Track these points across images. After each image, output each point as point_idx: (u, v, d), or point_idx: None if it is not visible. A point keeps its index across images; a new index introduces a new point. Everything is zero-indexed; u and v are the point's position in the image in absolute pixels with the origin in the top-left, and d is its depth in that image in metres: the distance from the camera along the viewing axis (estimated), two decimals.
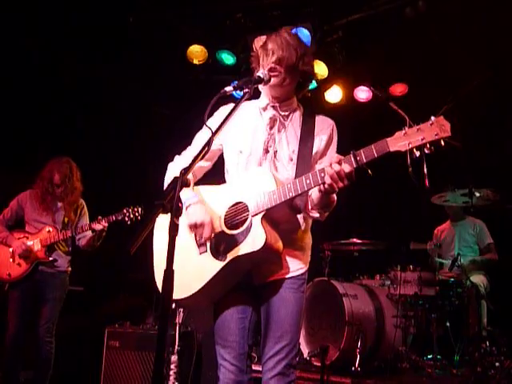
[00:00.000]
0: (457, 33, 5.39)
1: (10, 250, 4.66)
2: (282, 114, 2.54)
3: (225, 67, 6.32)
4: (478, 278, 5.39)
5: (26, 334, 4.55)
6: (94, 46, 5.93)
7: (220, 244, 2.37)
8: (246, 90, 2.34)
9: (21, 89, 5.85)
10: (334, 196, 2.30)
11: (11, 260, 4.64)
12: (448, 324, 5.12)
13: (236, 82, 2.34)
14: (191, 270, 2.42)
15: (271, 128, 2.51)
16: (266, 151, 2.48)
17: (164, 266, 2.48)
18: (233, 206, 2.41)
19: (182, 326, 5.07)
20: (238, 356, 2.42)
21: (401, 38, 5.85)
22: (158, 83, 6.67)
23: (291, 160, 2.41)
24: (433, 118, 2.02)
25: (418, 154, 2.03)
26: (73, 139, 6.08)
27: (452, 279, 5.16)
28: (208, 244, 2.42)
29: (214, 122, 2.43)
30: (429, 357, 4.96)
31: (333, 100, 6.43)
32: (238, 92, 2.42)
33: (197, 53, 6.24)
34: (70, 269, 4.77)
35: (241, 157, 2.51)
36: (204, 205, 2.46)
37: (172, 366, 4.59)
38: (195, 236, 2.45)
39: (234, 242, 2.32)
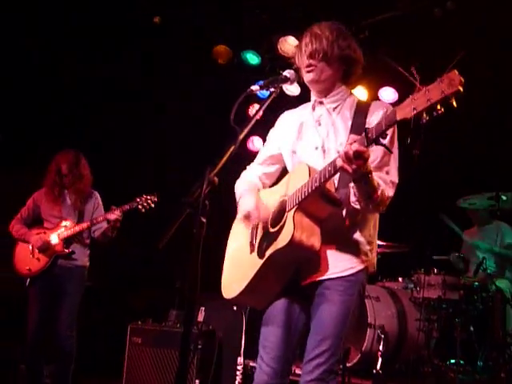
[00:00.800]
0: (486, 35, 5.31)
1: (30, 246, 4.72)
2: (329, 106, 2.49)
3: (250, 67, 6.33)
4: (504, 284, 5.30)
5: (47, 329, 4.61)
6: (94, 46, 5.96)
7: (264, 242, 2.37)
8: (272, 89, 2.35)
9: (21, 89, 5.91)
10: (375, 183, 2.14)
11: (31, 256, 4.70)
12: (472, 329, 5.04)
13: (262, 82, 2.34)
14: (241, 269, 2.46)
15: (320, 124, 2.48)
16: (316, 148, 2.44)
17: (226, 267, 2.61)
18: (278, 204, 2.41)
19: (204, 324, 5.10)
20: (275, 358, 2.34)
21: (428, 38, 5.79)
22: (183, 82, 6.69)
23: (338, 153, 2.26)
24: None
25: (428, 118, 1.82)
26: (73, 139, 6.12)
27: (476, 283, 5.09)
28: (257, 243, 2.42)
29: (273, 129, 2.67)
30: (452, 361, 4.89)
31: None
32: (263, 92, 2.41)
33: (222, 52, 6.26)
34: (88, 263, 4.80)
35: (295, 157, 2.51)
36: (254, 196, 2.48)
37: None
38: (250, 232, 2.48)
39: (273, 238, 2.31)
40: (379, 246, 5.62)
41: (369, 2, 5.59)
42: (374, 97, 6.35)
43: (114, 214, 4.54)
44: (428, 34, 5.64)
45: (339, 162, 2.05)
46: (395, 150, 2.37)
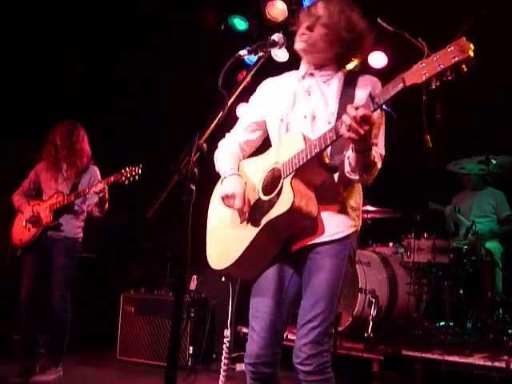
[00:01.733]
0: None
1: (24, 216, 4.77)
2: (320, 79, 2.47)
3: (237, 32, 6.21)
4: (493, 245, 5.36)
5: (40, 299, 4.63)
6: (94, 43, 5.88)
7: (257, 211, 2.35)
8: (261, 53, 2.30)
9: (21, 89, 5.83)
10: (372, 156, 2.16)
11: (24, 226, 4.77)
12: (461, 291, 5.12)
13: (250, 46, 2.29)
14: (232, 240, 2.43)
15: (309, 94, 2.45)
16: (305, 117, 2.42)
17: (213, 237, 2.57)
18: (269, 171, 2.39)
19: (196, 292, 5.14)
20: (266, 327, 2.34)
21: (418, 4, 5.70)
22: (170, 48, 6.58)
23: (329, 123, 2.30)
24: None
25: (438, 83, 1.84)
26: (85, 113, 6.07)
27: (466, 247, 5.14)
28: (247, 213, 2.40)
29: (255, 96, 2.61)
30: (441, 324, 4.98)
31: (347, 67, 6.30)
32: (250, 57, 2.35)
33: (209, 18, 6.14)
34: (80, 235, 4.78)
35: (282, 125, 2.47)
36: (239, 176, 2.46)
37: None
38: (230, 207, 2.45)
39: (268, 206, 2.30)
40: (370, 211, 5.66)
41: None
42: (364, 61, 6.28)
43: (98, 186, 4.51)
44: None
45: (343, 129, 2.03)
46: (384, 122, 2.37)
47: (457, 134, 6.13)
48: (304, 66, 2.53)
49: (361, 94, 2.34)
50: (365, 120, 1.97)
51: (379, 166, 2.28)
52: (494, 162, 5.08)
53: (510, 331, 4.61)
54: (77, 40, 5.83)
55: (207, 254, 2.58)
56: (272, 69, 2.68)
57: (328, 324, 2.29)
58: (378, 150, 2.31)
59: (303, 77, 2.51)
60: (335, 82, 2.44)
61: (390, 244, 5.75)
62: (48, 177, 4.81)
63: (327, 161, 2.25)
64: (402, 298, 5.07)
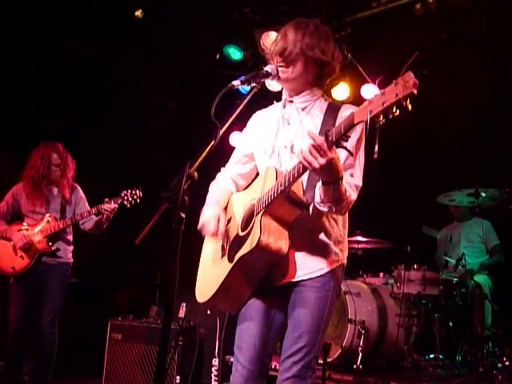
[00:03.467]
0: (464, 31, 5.37)
1: (11, 243, 4.61)
2: (298, 106, 2.47)
3: (232, 62, 6.30)
4: (482, 278, 5.37)
5: (28, 326, 4.56)
6: (97, 37, 5.92)
7: (234, 247, 2.36)
8: (254, 84, 2.33)
9: (21, 89, 5.84)
10: (342, 189, 2.13)
11: (14, 253, 4.61)
12: (451, 324, 5.12)
13: (243, 77, 2.33)
14: (212, 274, 2.46)
15: (289, 123, 2.46)
16: (285, 147, 2.42)
17: (200, 270, 2.60)
18: (248, 207, 2.40)
19: (185, 320, 5.09)
20: (251, 359, 2.33)
21: (410, 35, 5.82)
22: (165, 77, 6.66)
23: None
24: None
25: (383, 120, 1.82)
26: (73, 139, 6.07)
27: (456, 279, 5.15)
28: (227, 247, 2.42)
29: (245, 130, 2.66)
30: (431, 356, 4.95)
31: (340, 97, 6.38)
32: (244, 87, 2.38)
33: None
34: (71, 260, 4.74)
35: (265, 157, 2.49)
36: (216, 207, 2.50)
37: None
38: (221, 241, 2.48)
39: (242, 242, 2.30)
40: (361, 241, 5.66)
41: None
42: (356, 93, 6.38)
43: (111, 206, 4.49)
44: (409, 31, 5.67)
45: (300, 157, 2.03)
46: (361, 152, 2.35)
47: (447, 167, 6.21)
48: (284, 95, 2.55)
49: None
50: (321, 152, 1.96)
51: (353, 197, 2.26)
52: (483, 194, 5.13)
53: (499, 365, 4.60)
54: (77, 40, 5.83)
55: (196, 286, 2.61)
56: (266, 97, 2.72)
57: (311, 358, 2.28)
58: (354, 181, 2.28)
59: (284, 105, 2.53)
60: (317, 111, 2.44)
61: (381, 274, 5.75)
62: (32, 200, 4.67)
63: (297, 197, 2.24)
64: (391, 329, 5.04)
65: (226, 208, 2.58)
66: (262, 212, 2.24)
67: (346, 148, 2.00)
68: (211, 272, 2.49)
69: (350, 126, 1.91)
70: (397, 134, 6.32)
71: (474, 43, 5.45)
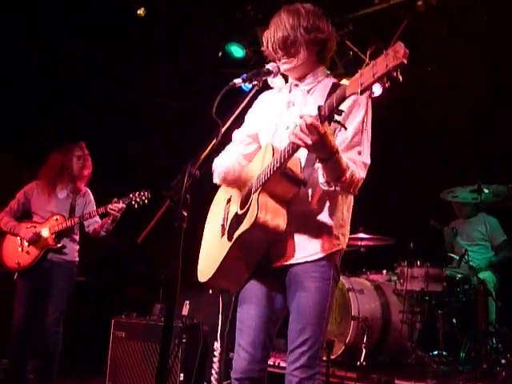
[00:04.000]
0: (463, 26, 5.36)
1: (18, 239, 4.68)
2: (304, 88, 2.47)
3: (234, 60, 6.30)
4: (487, 275, 5.36)
5: (33, 323, 4.58)
6: (98, 36, 5.93)
7: (233, 225, 2.37)
8: (255, 82, 2.34)
9: (21, 89, 5.85)
10: (341, 164, 2.12)
11: (20, 249, 4.67)
12: (454, 320, 5.11)
13: (245, 75, 2.33)
14: (213, 253, 2.46)
15: (294, 105, 2.47)
16: (287, 127, 2.41)
17: (202, 250, 2.61)
18: (248, 186, 2.40)
19: (188, 318, 5.09)
20: (252, 343, 2.34)
21: (412, 32, 5.81)
22: (165, 76, 6.67)
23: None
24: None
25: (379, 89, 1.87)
26: (73, 139, 6.08)
27: (460, 275, 5.14)
28: (227, 226, 2.42)
29: (251, 110, 2.60)
30: (434, 353, 4.95)
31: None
32: (246, 84, 2.39)
33: None
34: (77, 259, 4.77)
35: (268, 137, 2.49)
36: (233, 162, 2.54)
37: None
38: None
39: (240, 221, 2.31)
40: (364, 239, 5.66)
41: None
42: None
43: (119, 207, 4.50)
44: (411, 27, 5.67)
45: (291, 137, 2.04)
46: (369, 130, 2.34)
47: (449, 162, 6.20)
48: (290, 79, 2.54)
49: (346, 103, 2.24)
50: (312, 129, 1.97)
51: (362, 175, 2.25)
52: (486, 191, 5.11)
53: (503, 361, 4.60)
54: (77, 40, 5.84)
55: (198, 265, 2.62)
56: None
57: (318, 347, 2.29)
58: (361, 159, 2.27)
59: (290, 89, 2.53)
60: (319, 91, 2.43)
61: (384, 271, 5.74)
62: (43, 199, 4.75)
63: (294, 174, 2.24)
64: (395, 326, 5.04)
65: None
66: (259, 190, 2.25)
67: (339, 122, 2.00)
68: (212, 252, 2.49)
69: (342, 98, 1.92)
70: (398, 131, 6.36)
71: (473, 38, 5.45)
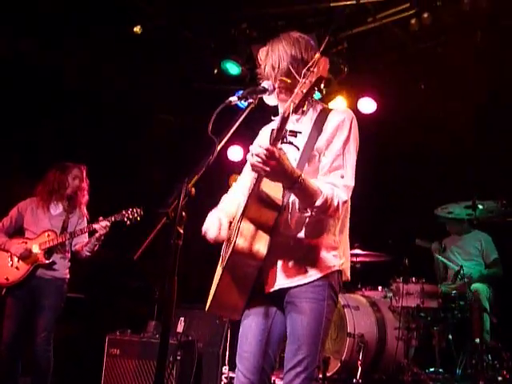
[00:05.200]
0: (462, 46, 5.44)
1: (8, 254, 4.64)
2: (294, 118, 2.46)
3: (230, 76, 6.35)
4: (481, 287, 5.36)
5: (23, 341, 4.54)
6: (95, 51, 5.95)
7: (228, 252, 2.38)
8: (251, 100, 2.35)
9: (20, 90, 5.84)
10: (310, 191, 2.16)
11: (9, 264, 4.63)
12: (450, 337, 5.10)
13: (240, 92, 2.35)
14: (214, 281, 2.49)
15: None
16: None
17: (213, 284, 2.59)
18: (240, 214, 2.42)
19: (183, 335, 5.07)
20: (252, 368, 2.34)
21: (406, 50, 5.89)
22: (163, 90, 6.70)
23: (295, 160, 2.30)
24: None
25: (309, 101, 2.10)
26: (72, 143, 6.08)
27: (455, 291, 5.15)
28: (226, 255, 2.43)
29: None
30: (431, 370, 4.94)
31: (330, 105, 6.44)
32: (242, 102, 2.40)
33: None
34: (68, 276, 4.73)
35: None
36: (219, 212, 2.55)
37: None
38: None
39: (230, 248, 2.34)
40: (359, 255, 5.66)
41: (348, 14, 5.67)
42: (353, 107, 6.43)
43: (103, 225, 4.51)
44: (405, 46, 5.75)
45: (251, 162, 2.09)
46: (351, 152, 2.36)
47: (443, 179, 6.24)
48: (280, 108, 2.53)
49: (329, 128, 2.35)
50: (268, 155, 2.03)
51: (344, 198, 2.26)
52: (480, 206, 5.14)
53: (499, 378, 4.59)
54: (77, 42, 5.83)
55: None
56: (266, 111, 2.74)
57: (313, 369, 2.28)
58: (343, 182, 2.28)
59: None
60: (308, 120, 2.45)
61: (379, 288, 5.74)
62: (37, 215, 4.74)
63: (269, 199, 2.25)
64: (390, 342, 5.03)
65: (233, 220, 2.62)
66: (241, 217, 2.28)
67: (291, 143, 2.08)
68: (214, 280, 2.53)
69: (282, 119, 2.05)
70: (393, 148, 6.40)
71: (469, 56, 5.52)
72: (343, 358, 4.74)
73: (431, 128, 6.12)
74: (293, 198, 2.28)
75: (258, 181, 2.20)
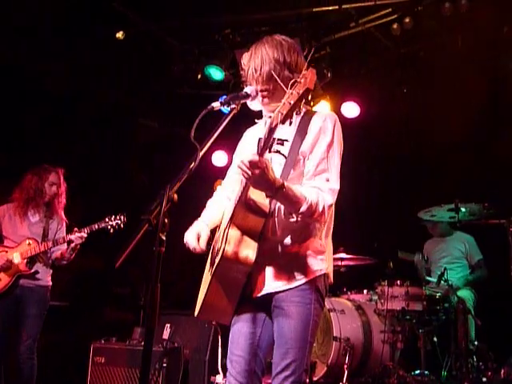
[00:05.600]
0: (443, 50, 5.50)
1: None
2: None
3: (213, 82, 6.35)
4: (465, 293, 5.40)
5: (6, 350, 4.48)
6: (78, 56, 5.92)
7: (216, 259, 2.39)
8: (234, 105, 2.36)
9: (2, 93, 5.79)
10: (296, 198, 2.18)
11: None
12: (435, 339, 5.12)
13: (223, 98, 2.35)
14: (203, 287, 2.50)
15: None
16: None
17: (201, 290, 2.59)
18: (228, 220, 2.43)
19: (169, 341, 5.04)
20: (242, 372, 2.35)
21: (388, 54, 5.95)
22: (146, 96, 6.69)
23: (280, 165, 2.33)
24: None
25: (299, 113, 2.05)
26: (54, 147, 6.03)
27: (439, 294, 5.17)
28: (214, 262, 2.44)
29: (237, 149, 2.69)
30: (416, 372, 4.95)
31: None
32: (225, 107, 2.40)
33: None
34: (50, 283, 4.68)
35: None
36: (201, 222, 2.56)
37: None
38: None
39: (218, 255, 2.34)
40: (344, 258, 5.67)
41: (331, 19, 5.72)
42: (337, 111, 6.46)
43: (79, 237, 4.47)
44: (388, 50, 5.80)
45: (239, 172, 2.12)
46: (335, 155, 2.37)
47: (426, 182, 6.29)
48: (264, 111, 2.57)
49: (313, 131, 2.37)
50: (252, 165, 2.05)
51: (330, 201, 2.28)
52: (463, 209, 5.18)
53: (484, 379, 4.61)
54: (64, 53, 5.83)
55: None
56: (251, 115, 2.74)
57: (301, 372, 2.28)
58: (328, 186, 2.30)
59: (265, 123, 2.55)
60: (291, 126, 2.40)
61: (365, 291, 5.75)
62: (15, 222, 4.66)
63: (256, 205, 2.27)
64: (376, 345, 5.05)
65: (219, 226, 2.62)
66: (229, 223, 2.28)
67: (278, 151, 2.14)
68: (203, 286, 2.53)
69: (270, 129, 2.06)
70: (376, 151, 6.44)
71: (450, 60, 5.58)
72: (329, 362, 4.74)
73: (414, 132, 6.18)
74: (279, 203, 2.29)
75: (245, 188, 2.21)
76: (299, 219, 2.28)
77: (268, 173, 2.08)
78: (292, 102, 1.95)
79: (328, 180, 2.31)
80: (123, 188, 6.66)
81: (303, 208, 2.20)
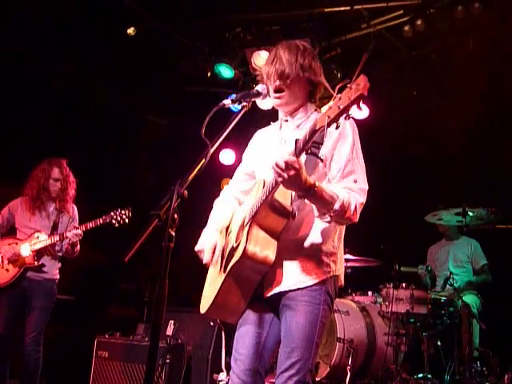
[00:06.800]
0: (455, 53, 5.48)
1: (0, 256, 4.62)
2: (293, 124, 2.52)
3: (223, 80, 6.35)
4: (471, 298, 5.39)
5: (13, 343, 4.50)
6: (88, 53, 5.94)
7: (229, 257, 2.40)
8: (244, 103, 2.36)
9: (11, 97, 5.81)
10: (329, 198, 2.19)
11: (0, 266, 4.60)
12: (439, 343, 5.11)
13: (234, 96, 2.35)
14: (211, 285, 2.52)
15: (285, 141, 2.51)
16: None
17: (206, 283, 2.63)
18: (242, 220, 2.44)
19: (173, 338, 5.05)
20: (246, 371, 2.36)
21: (399, 56, 5.93)
22: (155, 94, 6.70)
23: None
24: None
25: (346, 119, 1.99)
26: (65, 149, 6.05)
27: (444, 298, 5.16)
28: (224, 259, 2.46)
29: (247, 148, 2.71)
30: (419, 375, 4.93)
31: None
32: (235, 105, 2.41)
33: None
34: (58, 276, 4.71)
35: (263, 174, 2.51)
36: (215, 232, 2.58)
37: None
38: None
39: (234, 253, 2.35)
40: (349, 260, 5.66)
41: (342, 19, 5.71)
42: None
43: (74, 234, 4.49)
44: (399, 52, 5.78)
45: (272, 172, 2.12)
46: (359, 156, 2.41)
47: (434, 185, 6.26)
48: (280, 114, 2.60)
49: (332, 135, 2.37)
50: (288, 166, 2.05)
51: (361, 200, 2.31)
52: (470, 214, 5.16)
53: None
54: (71, 50, 5.83)
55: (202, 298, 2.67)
56: (259, 115, 2.75)
57: (306, 372, 2.27)
58: (358, 186, 2.34)
59: (280, 125, 2.59)
60: (308, 126, 2.42)
61: (369, 293, 5.74)
62: (26, 215, 4.71)
63: (281, 206, 2.29)
64: (380, 348, 5.03)
65: (228, 225, 2.63)
66: (250, 222, 2.29)
67: (315, 154, 2.10)
68: (212, 284, 2.54)
69: (313, 131, 2.03)
70: (385, 153, 6.42)
71: (462, 63, 5.56)
72: (332, 363, 4.73)
73: (424, 134, 6.15)
74: (299, 204, 2.29)
75: (274, 188, 2.21)
76: (332, 217, 2.27)
77: (302, 173, 2.10)
78: (342, 107, 1.92)
79: (356, 181, 2.35)
80: (132, 184, 6.68)
81: (336, 206, 2.21)
